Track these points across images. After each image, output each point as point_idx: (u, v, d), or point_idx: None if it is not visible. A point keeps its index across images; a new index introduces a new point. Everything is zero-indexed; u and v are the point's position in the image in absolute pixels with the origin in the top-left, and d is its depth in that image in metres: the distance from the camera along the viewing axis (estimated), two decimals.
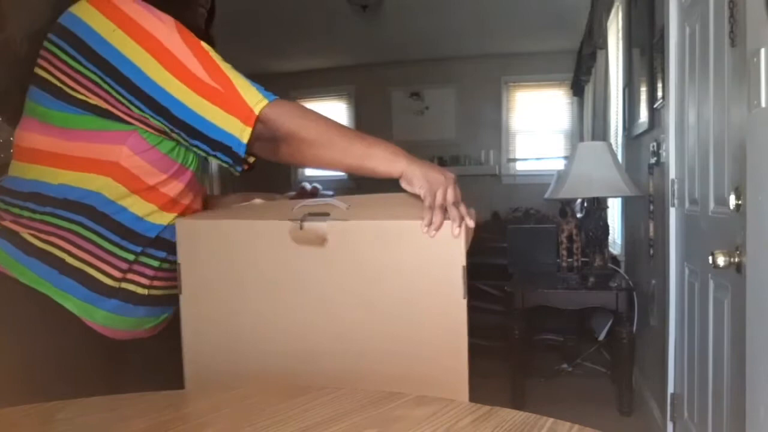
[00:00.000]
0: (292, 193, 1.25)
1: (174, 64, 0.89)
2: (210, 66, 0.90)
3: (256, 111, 0.90)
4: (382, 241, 0.93)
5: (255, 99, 0.91)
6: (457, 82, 6.47)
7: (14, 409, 0.70)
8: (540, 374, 3.36)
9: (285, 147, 0.96)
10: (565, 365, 3.52)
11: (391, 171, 0.93)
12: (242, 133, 0.91)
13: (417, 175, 0.92)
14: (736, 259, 1.31)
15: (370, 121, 6.76)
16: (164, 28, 0.90)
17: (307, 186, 1.26)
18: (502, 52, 6.09)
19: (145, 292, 0.99)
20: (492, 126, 6.47)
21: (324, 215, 0.94)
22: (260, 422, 0.65)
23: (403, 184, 0.94)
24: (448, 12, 4.89)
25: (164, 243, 1.00)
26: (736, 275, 1.34)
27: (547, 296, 2.91)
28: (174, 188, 0.98)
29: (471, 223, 0.92)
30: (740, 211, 1.32)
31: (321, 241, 0.92)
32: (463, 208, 0.92)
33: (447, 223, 0.90)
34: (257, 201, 1.11)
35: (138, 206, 0.96)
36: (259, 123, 0.91)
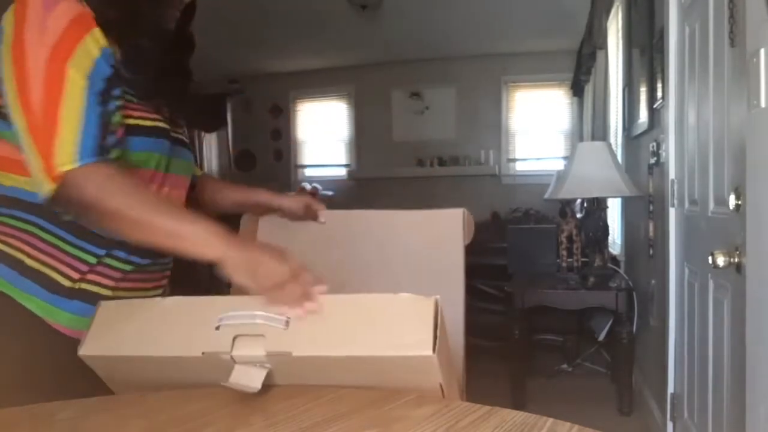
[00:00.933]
0: (293, 193, 1.25)
1: (24, 89, 0.84)
2: (51, 102, 0.83)
3: (58, 170, 0.83)
4: (332, 374, 0.74)
5: (64, 158, 0.83)
6: (457, 82, 6.46)
7: (14, 409, 0.70)
8: (540, 374, 3.36)
9: (91, 214, 0.88)
10: (565, 365, 3.52)
11: (205, 254, 0.82)
12: (44, 187, 0.84)
13: (237, 265, 0.79)
14: (736, 259, 1.31)
15: (370, 121, 6.76)
16: (39, 47, 0.84)
17: (307, 186, 1.26)
18: (502, 52, 6.09)
19: (110, 293, 0.97)
20: (492, 126, 6.47)
21: (257, 336, 0.73)
22: (260, 422, 0.65)
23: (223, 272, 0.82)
24: (448, 12, 4.89)
25: (126, 243, 0.96)
26: (736, 275, 1.34)
27: (547, 296, 2.91)
28: None
29: (312, 307, 0.78)
30: (740, 211, 1.32)
31: (256, 387, 0.73)
32: (305, 279, 0.78)
33: (415, 297, 0.72)
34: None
35: None
36: (60, 184, 0.83)
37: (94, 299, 0.94)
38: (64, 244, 0.94)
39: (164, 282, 1.07)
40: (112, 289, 0.98)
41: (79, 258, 0.95)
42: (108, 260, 0.97)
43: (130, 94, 0.94)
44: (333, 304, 0.76)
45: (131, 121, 0.93)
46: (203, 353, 0.73)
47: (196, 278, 1.17)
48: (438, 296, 0.73)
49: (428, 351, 0.68)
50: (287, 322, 0.73)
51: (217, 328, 0.74)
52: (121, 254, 0.98)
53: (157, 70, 0.99)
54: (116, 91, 0.90)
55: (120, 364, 0.78)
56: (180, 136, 1.05)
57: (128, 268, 0.99)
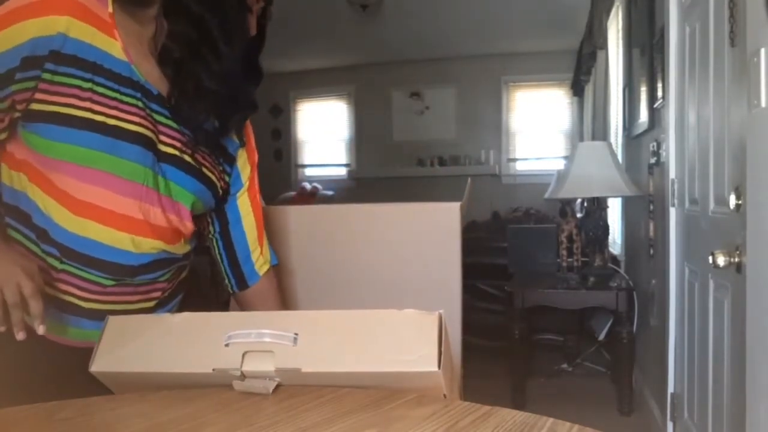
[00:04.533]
0: (293, 193, 1.24)
1: None
2: None
3: None
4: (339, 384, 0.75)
5: None
6: (457, 82, 6.46)
7: (14, 409, 0.70)
8: (540, 374, 3.36)
9: None
10: (565, 365, 3.52)
11: None
12: None
13: None
14: (736, 259, 1.31)
15: (370, 121, 6.76)
16: None
17: (307, 186, 1.25)
18: (502, 52, 6.09)
19: (85, 305, 0.95)
20: (492, 126, 6.47)
21: (266, 352, 0.74)
22: (260, 422, 0.65)
23: None
24: (448, 12, 4.89)
25: (75, 255, 0.93)
26: (736, 275, 1.34)
27: (547, 296, 2.91)
28: (58, 179, 0.92)
29: (40, 330, 0.82)
30: (740, 211, 1.31)
31: (267, 391, 0.75)
32: (34, 307, 0.81)
33: (414, 313, 0.73)
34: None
35: (38, 197, 0.92)
36: None
37: (69, 308, 0.94)
38: (35, 247, 0.93)
39: (155, 295, 1.02)
40: (87, 300, 0.95)
41: (44, 260, 0.93)
42: (71, 268, 0.93)
43: (105, 87, 0.90)
44: (339, 319, 0.78)
45: (84, 114, 0.89)
46: (214, 369, 0.74)
47: (204, 292, 1.14)
48: (442, 310, 0.74)
49: (434, 367, 0.70)
50: (295, 339, 0.74)
51: (227, 345, 0.75)
52: (86, 269, 0.93)
53: (214, 104, 0.97)
54: (29, 73, 0.87)
55: (130, 379, 0.79)
56: (178, 155, 0.98)
57: (101, 281, 0.94)
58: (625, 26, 3.26)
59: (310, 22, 5.11)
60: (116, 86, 0.91)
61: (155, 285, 1.02)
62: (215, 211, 1.11)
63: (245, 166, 1.12)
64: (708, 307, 1.71)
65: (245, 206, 1.13)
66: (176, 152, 0.97)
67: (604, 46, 3.96)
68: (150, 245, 0.96)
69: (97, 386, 0.79)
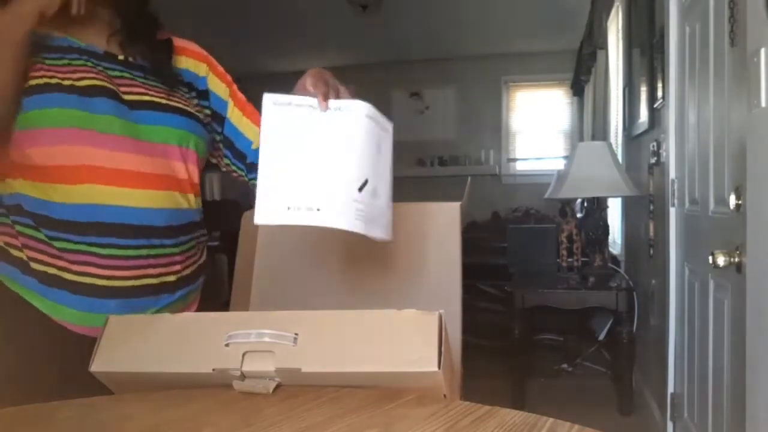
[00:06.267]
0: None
1: None
2: None
3: None
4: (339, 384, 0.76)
5: None
6: (457, 82, 6.47)
7: (14, 409, 0.70)
8: (540, 374, 3.36)
9: None
10: (565, 365, 3.52)
11: None
12: None
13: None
14: (736, 259, 1.31)
15: None
16: None
17: None
18: (502, 52, 6.09)
19: (106, 283, 0.94)
20: (492, 126, 6.47)
21: (266, 352, 0.74)
22: (260, 422, 0.65)
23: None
24: (448, 12, 4.89)
25: (86, 227, 0.93)
26: (736, 275, 1.34)
27: (547, 296, 2.91)
28: (46, 155, 0.93)
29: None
30: (740, 211, 1.32)
31: (267, 393, 0.75)
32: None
33: (418, 313, 0.74)
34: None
35: (29, 189, 0.93)
36: None
37: (94, 291, 0.94)
38: (40, 234, 0.94)
39: (175, 269, 1.01)
40: (106, 278, 0.94)
41: (66, 249, 0.93)
42: (83, 246, 0.93)
43: (50, 58, 0.93)
44: (339, 319, 0.78)
45: (40, 81, 0.91)
46: (214, 369, 0.75)
47: (204, 292, 1.14)
48: (442, 310, 0.74)
49: (434, 367, 0.70)
50: (295, 339, 0.75)
51: (227, 344, 0.75)
52: (100, 240, 0.93)
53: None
54: None
55: (130, 379, 0.79)
56: (146, 99, 0.99)
57: (118, 252, 0.94)
58: (625, 26, 3.26)
59: (310, 22, 5.11)
60: (61, 55, 0.95)
61: (173, 257, 1.01)
62: (221, 142, 1.14)
63: (218, 86, 1.14)
64: (708, 307, 1.71)
65: (238, 119, 1.15)
66: (142, 97, 0.99)
67: (604, 46, 3.96)
68: (155, 198, 0.97)
69: (98, 386, 0.79)
